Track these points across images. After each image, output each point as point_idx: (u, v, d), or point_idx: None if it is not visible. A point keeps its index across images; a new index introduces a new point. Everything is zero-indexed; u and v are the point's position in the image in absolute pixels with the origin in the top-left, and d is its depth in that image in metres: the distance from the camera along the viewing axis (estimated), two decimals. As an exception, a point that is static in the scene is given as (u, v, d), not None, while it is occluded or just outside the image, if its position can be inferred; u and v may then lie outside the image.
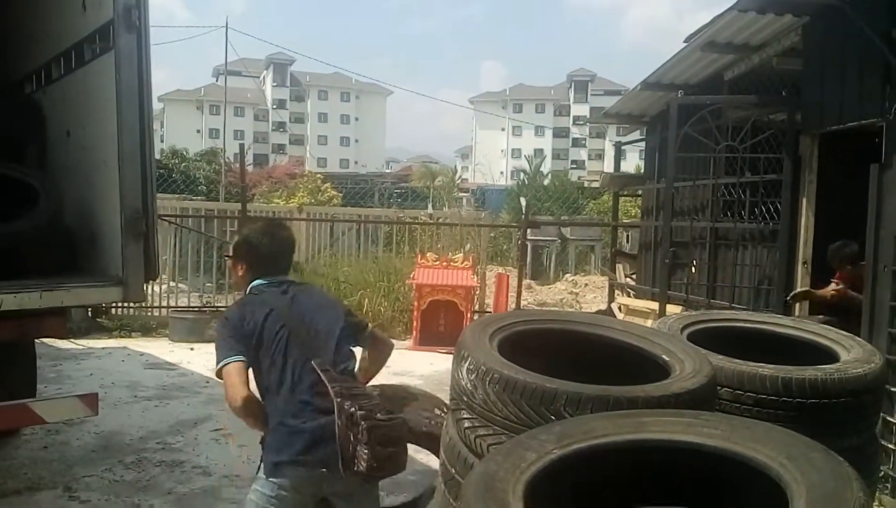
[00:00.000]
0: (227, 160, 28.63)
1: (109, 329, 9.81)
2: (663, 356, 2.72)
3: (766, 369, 2.83)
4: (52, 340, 7.02)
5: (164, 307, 10.43)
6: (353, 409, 2.40)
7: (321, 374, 2.56)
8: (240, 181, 11.76)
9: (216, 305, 10.45)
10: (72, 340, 8.67)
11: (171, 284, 10.97)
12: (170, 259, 10.95)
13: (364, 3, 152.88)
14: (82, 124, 4.55)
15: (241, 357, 2.60)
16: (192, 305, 10.59)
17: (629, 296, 9.64)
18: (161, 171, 17.73)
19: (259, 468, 2.65)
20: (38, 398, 4.51)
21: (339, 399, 2.45)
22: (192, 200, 15.94)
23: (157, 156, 20.04)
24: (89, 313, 9.72)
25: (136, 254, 4.02)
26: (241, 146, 11.37)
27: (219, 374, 2.62)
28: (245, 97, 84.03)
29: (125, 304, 8.87)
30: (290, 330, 2.64)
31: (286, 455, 2.55)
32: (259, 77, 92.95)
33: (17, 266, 4.00)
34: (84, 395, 4.05)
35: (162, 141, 53.81)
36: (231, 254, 2.97)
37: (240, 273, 2.89)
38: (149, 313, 10.28)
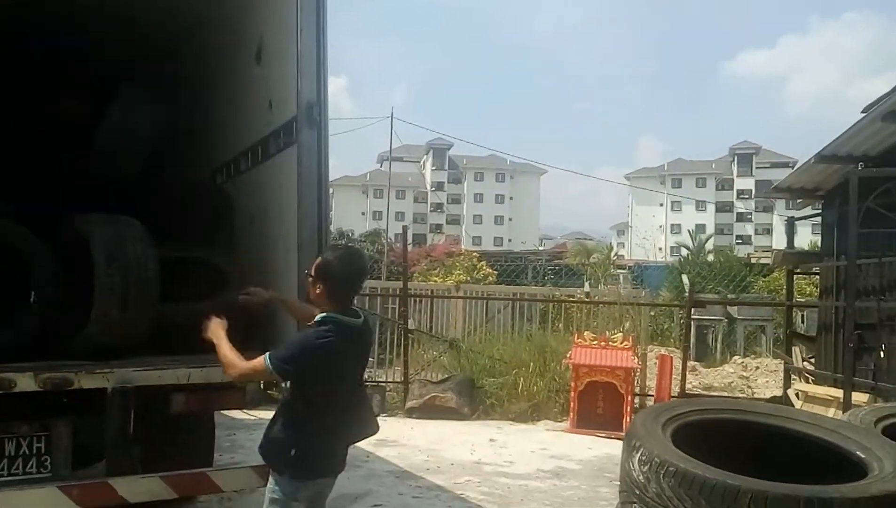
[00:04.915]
0: (388, 240, 30.12)
1: (279, 401, 10.27)
2: (857, 453, 2.48)
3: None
4: (228, 411, 7.44)
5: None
6: None
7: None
8: (401, 261, 12.21)
9: (377, 379, 10.74)
10: (245, 411, 9.18)
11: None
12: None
13: (519, 88, 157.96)
14: (265, 212, 4.94)
15: (289, 377, 3.25)
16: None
17: (808, 382, 8.89)
18: (328, 251, 18.76)
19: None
20: (215, 467, 4.77)
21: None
22: (356, 278, 16.62)
23: (325, 237, 21.31)
24: (261, 386, 10.26)
25: (310, 332, 4.22)
26: (404, 229, 11.79)
27: (259, 362, 3.17)
28: (406, 181, 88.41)
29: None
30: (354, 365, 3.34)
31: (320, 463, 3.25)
32: (419, 162, 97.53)
33: (203, 343, 4.32)
34: (257, 466, 4.21)
35: (331, 223, 57.30)
36: (313, 274, 3.28)
37: (318, 292, 3.27)
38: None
